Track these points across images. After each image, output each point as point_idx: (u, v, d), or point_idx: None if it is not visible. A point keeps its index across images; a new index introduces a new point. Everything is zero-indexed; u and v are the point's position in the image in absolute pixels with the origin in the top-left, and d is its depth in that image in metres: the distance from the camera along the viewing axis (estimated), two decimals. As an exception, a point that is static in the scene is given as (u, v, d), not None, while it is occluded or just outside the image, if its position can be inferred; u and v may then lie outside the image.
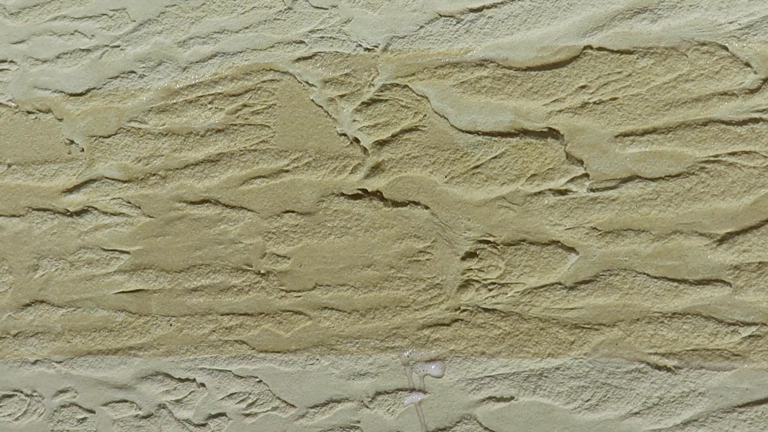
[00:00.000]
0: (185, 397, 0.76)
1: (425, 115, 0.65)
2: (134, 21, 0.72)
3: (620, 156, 0.61)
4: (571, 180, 0.63)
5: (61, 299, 0.77)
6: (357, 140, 0.67)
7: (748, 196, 0.60)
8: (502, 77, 0.63)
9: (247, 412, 0.74)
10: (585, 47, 0.62)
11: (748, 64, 0.58)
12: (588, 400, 0.65)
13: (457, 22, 0.64)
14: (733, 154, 0.60)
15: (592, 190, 0.63)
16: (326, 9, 0.67)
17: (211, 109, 0.71)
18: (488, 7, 0.64)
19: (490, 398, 0.67)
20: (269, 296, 0.72)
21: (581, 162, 0.62)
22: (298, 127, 0.69)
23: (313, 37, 0.68)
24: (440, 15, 0.64)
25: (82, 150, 0.74)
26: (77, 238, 0.76)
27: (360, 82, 0.67)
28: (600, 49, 0.61)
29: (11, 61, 0.76)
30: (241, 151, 0.70)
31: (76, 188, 0.75)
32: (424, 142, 0.66)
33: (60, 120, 0.74)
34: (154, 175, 0.73)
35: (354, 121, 0.67)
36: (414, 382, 0.69)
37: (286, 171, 0.69)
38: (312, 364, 0.72)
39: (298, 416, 0.73)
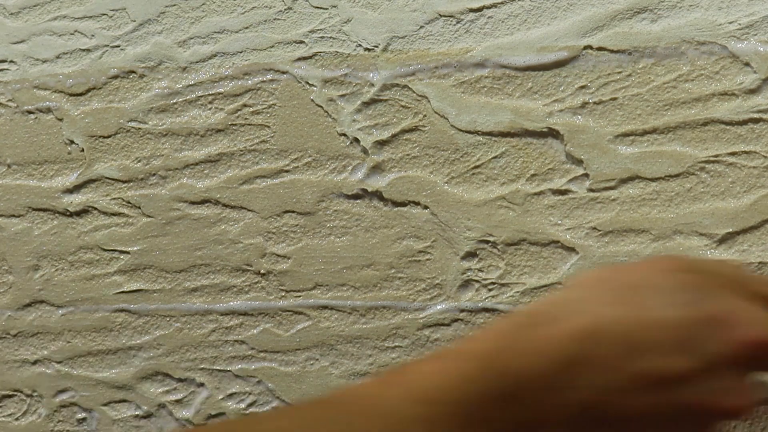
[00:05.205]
0: (185, 397, 0.76)
1: (425, 115, 0.65)
2: (134, 21, 0.72)
3: (620, 156, 0.61)
4: (571, 180, 0.63)
5: (61, 299, 0.77)
6: (357, 140, 0.67)
7: (748, 196, 0.60)
8: (502, 77, 0.63)
9: (247, 412, 0.74)
10: (585, 47, 0.61)
11: (748, 64, 0.58)
12: (588, 400, 0.65)
13: (457, 22, 0.64)
14: (733, 154, 0.60)
15: (592, 190, 0.63)
16: (326, 9, 0.67)
17: (211, 109, 0.71)
18: (488, 7, 0.63)
19: (490, 398, 0.67)
20: (269, 296, 0.72)
21: (581, 162, 0.62)
22: (298, 127, 0.69)
23: (313, 37, 0.67)
24: (440, 15, 0.64)
25: (82, 150, 0.74)
26: (77, 238, 0.76)
27: (360, 82, 0.67)
28: (600, 49, 0.61)
29: (11, 61, 0.76)
30: (241, 151, 0.70)
31: (76, 188, 0.75)
32: (424, 142, 0.66)
33: (60, 120, 0.74)
34: (154, 175, 0.73)
35: (354, 121, 0.67)
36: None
37: (286, 171, 0.69)
38: (312, 364, 0.72)
39: (298, 416, 0.73)
